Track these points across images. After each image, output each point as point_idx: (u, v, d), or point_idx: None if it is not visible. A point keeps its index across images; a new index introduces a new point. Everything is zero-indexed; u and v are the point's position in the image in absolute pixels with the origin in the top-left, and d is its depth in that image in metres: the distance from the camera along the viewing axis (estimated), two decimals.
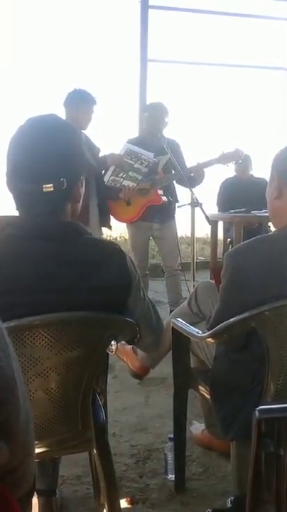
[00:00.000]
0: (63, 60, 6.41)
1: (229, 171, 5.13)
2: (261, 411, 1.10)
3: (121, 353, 2.58)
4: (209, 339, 1.55)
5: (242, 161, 5.02)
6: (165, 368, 2.69)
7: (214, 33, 6.20)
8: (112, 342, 1.34)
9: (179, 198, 3.92)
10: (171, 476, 1.98)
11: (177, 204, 3.88)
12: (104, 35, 6.39)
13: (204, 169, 3.72)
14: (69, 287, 1.23)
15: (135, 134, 4.04)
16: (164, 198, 3.75)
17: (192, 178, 3.70)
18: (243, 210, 4.23)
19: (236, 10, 5.90)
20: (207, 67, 6.38)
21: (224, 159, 3.67)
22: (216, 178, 5.13)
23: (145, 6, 5.57)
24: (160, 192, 3.77)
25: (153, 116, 3.79)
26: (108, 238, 5.63)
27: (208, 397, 1.69)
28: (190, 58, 6.14)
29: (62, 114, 3.38)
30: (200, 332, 1.65)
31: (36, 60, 6.46)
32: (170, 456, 1.97)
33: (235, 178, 5.21)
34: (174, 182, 3.84)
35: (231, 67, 6.38)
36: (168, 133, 3.79)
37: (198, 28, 6.12)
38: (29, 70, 6.57)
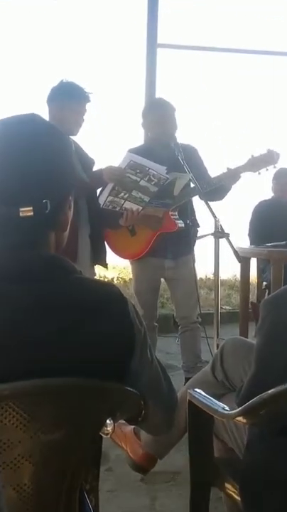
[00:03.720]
0: (49, 46, 6.62)
1: (264, 189, 5.22)
2: None
3: (118, 437, 2.56)
4: (240, 418, 1.53)
5: (281, 176, 5.10)
6: (178, 458, 2.66)
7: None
8: (107, 421, 1.32)
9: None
10: None
11: (197, 230, 3.89)
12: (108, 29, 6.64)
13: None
14: (52, 344, 1.22)
15: (139, 141, 4.09)
16: (179, 223, 3.77)
17: (215, 189, 3.72)
18: (283, 243, 4.25)
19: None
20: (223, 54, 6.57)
21: (253, 165, 3.70)
22: (247, 199, 5.19)
23: None
24: (174, 215, 3.79)
25: (159, 119, 3.84)
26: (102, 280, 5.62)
27: (238, 498, 1.67)
28: (199, 42, 6.33)
29: (45, 114, 3.45)
30: (227, 408, 1.63)
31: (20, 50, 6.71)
32: None
33: (273, 200, 5.27)
34: (192, 201, 3.87)
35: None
36: (181, 137, 3.84)
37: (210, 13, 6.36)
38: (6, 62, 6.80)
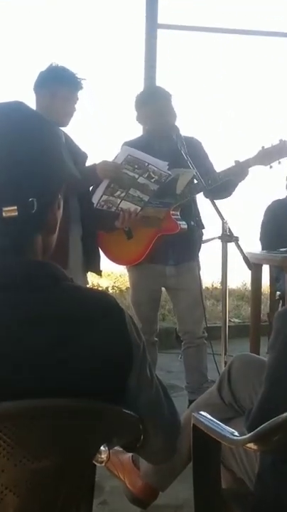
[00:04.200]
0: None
1: (278, 187, 5.22)
2: None
3: (114, 466, 2.55)
4: (251, 444, 1.53)
5: None
6: (181, 489, 2.65)
7: None
8: (102, 448, 1.32)
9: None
10: None
11: (202, 233, 3.89)
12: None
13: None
14: (39, 359, 1.23)
15: (138, 133, 4.08)
16: (182, 224, 3.77)
17: (220, 186, 3.72)
18: None
19: None
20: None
21: (264, 157, 3.68)
22: (259, 198, 5.19)
23: None
24: (176, 214, 3.78)
25: (156, 110, 3.84)
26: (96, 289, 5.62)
27: None
28: (203, 23, 6.38)
29: (31, 102, 3.45)
30: (237, 433, 1.63)
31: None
32: None
33: None
34: (196, 200, 3.86)
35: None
36: (183, 126, 3.84)
37: None
38: None
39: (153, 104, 3.86)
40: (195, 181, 3.70)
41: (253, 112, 7.63)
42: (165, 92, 3.90)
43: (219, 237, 3.59)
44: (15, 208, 1.24)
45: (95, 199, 3.64)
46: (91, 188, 3.68)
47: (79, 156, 3.67)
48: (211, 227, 3.83)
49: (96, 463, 1.34)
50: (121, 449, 1.50)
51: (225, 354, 3.66)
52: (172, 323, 5.92)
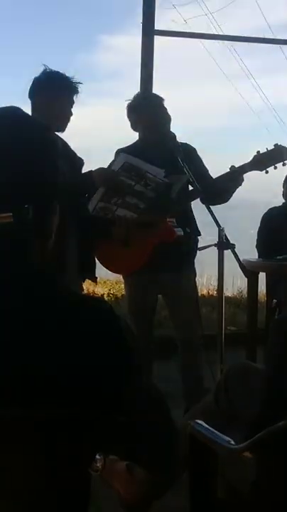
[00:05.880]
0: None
1: (274, 195, 5.23)
2: None
3: (109, 474, 2.53)
4: (247, 453, 1.53)
5: None
6: (176, 498, 2.63)
7: None
8: (97, 456, 1.31)
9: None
10: None
11: (197, 240, 3.89)
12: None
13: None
14: (33, 367, 1.22)
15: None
16: (178, 231, 3.76)
17: (217, 192, 3.73)
18: None
19: None
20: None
21: (260, 163, 3.69)
22: (255, 206, 5.19)
23: None
24: (172, 221, 3.78)
25: (148, 115, 3.85)
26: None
27: None
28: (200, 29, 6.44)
29: (27, 109, 3.44)
30: (233, 442, 1.62)
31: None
32: None
33: (284, 207, 5.27)
34: (192, 206, 3.86)
35: None
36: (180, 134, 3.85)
37: None
38: None
39: (144, 110, 3.88)
40: (191, 187, 3.70)
41: (250, 116, 7.70)
42: (155, 96, 3.92)
43: (216, 245, 3.59)
44: (11, 214, 1.24)
45: (91, 206, 3.63)
46: (87, 195, 3.67)
47: (75, 162, 3.67)
48: (207, 235, 3.84)
49: (91, 472, 1.33)
50: (116, 457, 1.49)
51: (221, 362, 3.66)
52: (168, 330, 5.91)
